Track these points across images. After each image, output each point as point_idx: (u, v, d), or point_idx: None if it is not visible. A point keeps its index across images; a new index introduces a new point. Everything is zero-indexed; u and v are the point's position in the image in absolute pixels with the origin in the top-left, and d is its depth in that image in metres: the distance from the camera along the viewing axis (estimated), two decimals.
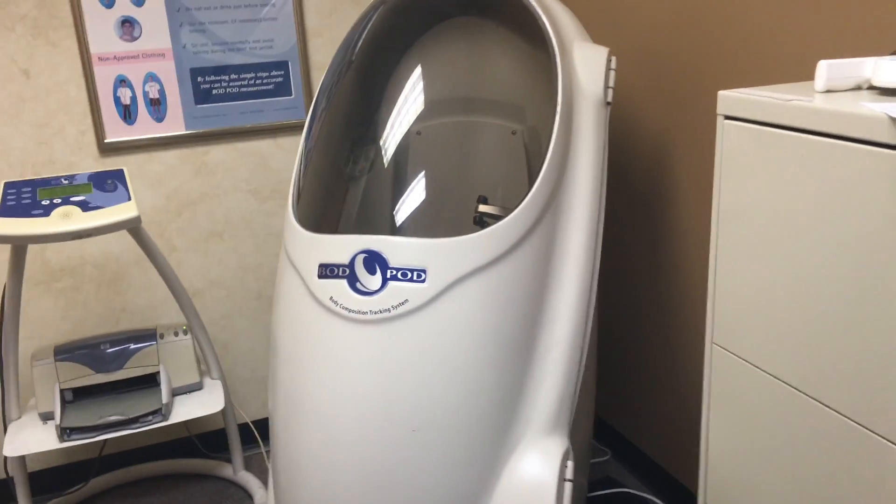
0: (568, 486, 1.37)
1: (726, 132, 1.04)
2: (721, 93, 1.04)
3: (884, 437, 0.87)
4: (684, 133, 1.74)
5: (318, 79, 2.21)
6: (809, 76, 1.38)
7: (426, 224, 1.71)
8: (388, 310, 1.31)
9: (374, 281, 1.32)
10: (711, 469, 1.18)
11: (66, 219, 1.61)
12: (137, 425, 1.85)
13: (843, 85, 0.98)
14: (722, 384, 1.13)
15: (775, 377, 1.01)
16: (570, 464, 1.39)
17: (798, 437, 0.99)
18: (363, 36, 1.71)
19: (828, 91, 0.98)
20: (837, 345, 0.91)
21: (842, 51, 1.31)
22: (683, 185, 1.77)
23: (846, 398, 0.91)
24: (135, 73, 2.02)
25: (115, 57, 1.99)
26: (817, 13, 1.35)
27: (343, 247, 1.35)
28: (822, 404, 0.94)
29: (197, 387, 2.02)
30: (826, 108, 0.87)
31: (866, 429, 0.89)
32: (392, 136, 1.77)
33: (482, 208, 1.53)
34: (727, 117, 1.04)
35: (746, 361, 1.07)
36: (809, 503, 0.99)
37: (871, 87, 0.99)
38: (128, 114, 2.04)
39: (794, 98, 0.94)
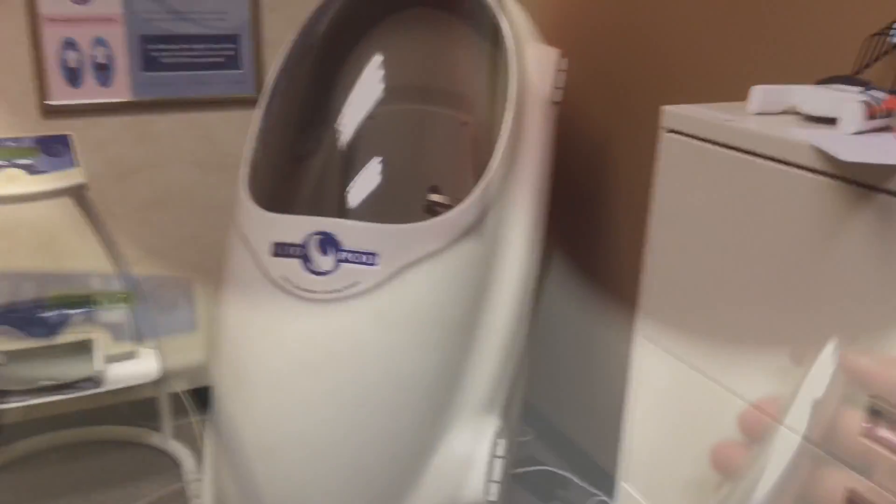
0: (499, 463, 1.46)
1: (667, 143, 1.13)
2: (665, 108, 1.13)
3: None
4: (624, 138, 1.84)
5: (270, 55, 2.21)
6: (739, 97, 1.49)
7: (376, 209, 1.76)
8: (340, 290, 1.36)
9: (326, 262, 1.37)
10: (630, 450, 1.29)
11: (12, 182, 1.59)
12: (70, 391, 1.85)
13: (773, 108, 1.09)
14: (645, 375, 1.23)
15: (696, 369, 1.12)
16: (502, 441, 1.48)
17: (714, 427, 1.10)
18: (324, 18, 1.74)
19: (759, 113, 1.08)
20: (756, 341, 1.01)
21: (770, 76, 1.42)
22: (620, 187, 1.87)
23: (764, 391, 1.02)
24: (83, 36, 1.99)
25: (64, 19, 1.96)
26: (749, 41, 1.46)
27: (298, 227, 1.39)
28: (738, 396, 1.05)
29: (131, 355, 2.02)
30: (760, 131, 0.97)
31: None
32: (346, 121, 1.81)
33: (432, 197, 1.59)
34: (669, 130, 1.13)
35: (670, 354, 1.17)
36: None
37: (797, 113, 1.10)
38: (73, 77, 2.01)
39: (731, 118, 1.04)
